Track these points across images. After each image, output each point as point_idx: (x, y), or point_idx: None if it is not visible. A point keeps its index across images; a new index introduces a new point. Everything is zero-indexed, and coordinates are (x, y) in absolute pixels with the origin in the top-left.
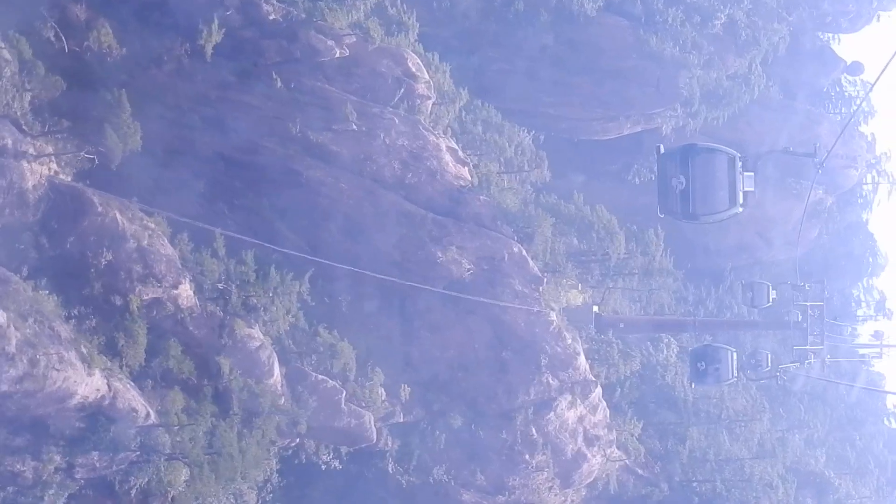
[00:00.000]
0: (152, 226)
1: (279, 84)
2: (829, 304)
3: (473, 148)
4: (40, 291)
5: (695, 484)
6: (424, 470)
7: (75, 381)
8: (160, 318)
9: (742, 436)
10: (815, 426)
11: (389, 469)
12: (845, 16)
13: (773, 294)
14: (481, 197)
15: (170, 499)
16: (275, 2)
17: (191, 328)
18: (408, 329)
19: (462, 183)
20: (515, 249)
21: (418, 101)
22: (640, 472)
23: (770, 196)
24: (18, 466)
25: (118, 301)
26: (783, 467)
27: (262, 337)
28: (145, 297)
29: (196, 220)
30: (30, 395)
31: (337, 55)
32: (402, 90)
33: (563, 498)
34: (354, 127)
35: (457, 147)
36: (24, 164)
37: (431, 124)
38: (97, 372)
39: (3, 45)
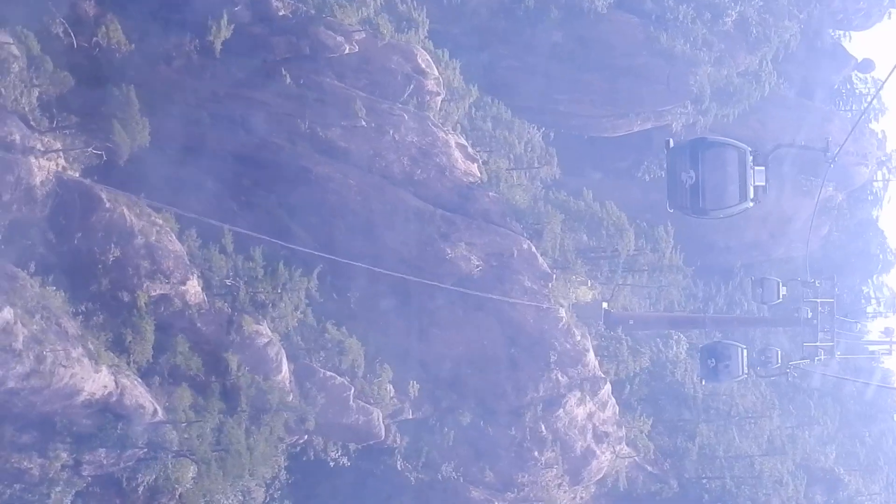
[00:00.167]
0: (160, 222)
1: (288, 80)
2: (839, 301)
3: (483, 145)
4: (47, 287)
5: (704, 481)
6: (433, 467)
7: (82, 378)
8: (168, 315)
9: (752, 432)
10: (825, 423)
11: (398, 466)
12: (856, 13)
13: (783, 290)
14: (490, 193)
15: (177, 496)
16: None
17: (198, 324)
18: (416, 326)
19: (471, 179)
20: (525, 246)
21: (428, 98)
22: (649, 468)
23: (780, 193)
24: (25, 463)
25: (126, 297)
26: (793, 464)
27: (270, 333)
28: (153, 294)
29: (204, 217)
30: (37, 392)
31: (346, 51)
32: (412, 86)
33: (572, 495)
34: (364, 123)
35: (466, 143)
36: (32, 159)
37: (441, 121)
38: (104, 368)
39: (11, 41)
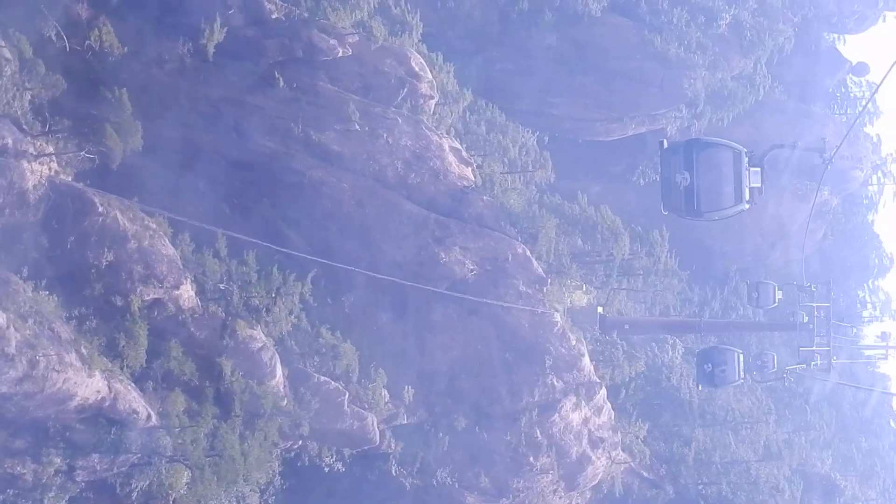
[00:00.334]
0: (153, 226)
1: (281, 84)
2: (835, 306)
3: (477, 148)
4: (40, 292)
5: (700, 486)
6: (428, 472)
7: (75, 383)
8: (161, 319)
9: (748, 438)
10: (822, 428)
11: (393, 471)
12: (851, 16)
13: (778, 294)
14: (485, 197)
15: (171, 501)
16: (278, 1)
17: (192, 329)
18: (411, 330)
19: (465, 183)
20: (519, 250)
21: (421, 101)
22: (645, 474)
23: (776, 198)
24: (18, 469)
25: (119, 302)
26: (789, 469)
27: (264, 338)
28: (146, 298)
29: (198, 221)
30: (29, 397)
31: (340, 54)
32: (406, 90)
33: (567, 500)
34: (357, 127)
35: (460, 147)
36: (25, 163)
37: (435, 124)
38: (97, 373)
39: (3, 44)
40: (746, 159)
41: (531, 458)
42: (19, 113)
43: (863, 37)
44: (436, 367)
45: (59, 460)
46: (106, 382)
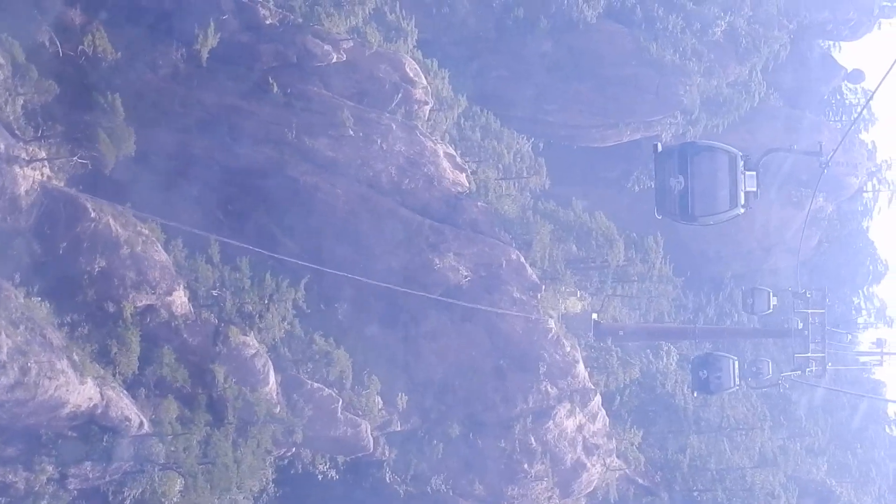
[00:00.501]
0: (146, 232)
1: (275, 89)
2: (829, 312)
3: (472, 154)
4: (32, 298)
5: (696, 493)
6: (422, 479)
7: (67, 390)
8: (154, 326)
9: (743, 444)
10: (816, 434)
11: (387, 478)
12: (846, 23)
13: (773, 301)
14: (479, 203)
15: None
16: (272, 6)
17: (185, 336)
18: (404, 336)
19: (460, 189)
20: (513, 256)
21: (416, 107)
22: (640, 481)
23: (771, 204)
24: (10, 477)
25: (111, 308)
26: (784, 476)
27: (257, 344)
28: (139, 304)
29: (191, 227)
30: (21, 404)
31: (334, 60)
32: (400, 95)
33: None
34: (351, 132)
35: (455, 153)
36: (17, 169)
37: (429, 130)
38: (90, 380)
39: None
40: (742, 163)
41: (526, 465)
42: (11, 118)
43: (858, 44)
44: (430, 374)
45: (51, 468)
46: (98, 389)
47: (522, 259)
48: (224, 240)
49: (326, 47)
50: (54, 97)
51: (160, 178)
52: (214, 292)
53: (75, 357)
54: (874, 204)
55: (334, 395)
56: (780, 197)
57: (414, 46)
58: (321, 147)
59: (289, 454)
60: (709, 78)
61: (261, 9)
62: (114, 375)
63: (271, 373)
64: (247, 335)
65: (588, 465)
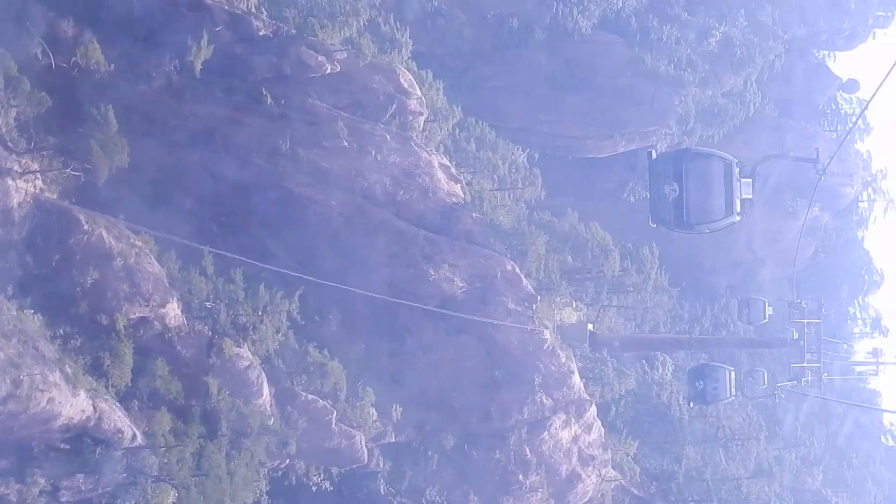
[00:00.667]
0: (139, 244)
1: (269, 101)
2: (825, 322)
3: (467, 165)
4: (25, 311)
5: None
6: (417, 491)
7: (60, 402)
8: (147, 338)
9: (738, 455)
10: (812, 444)
11: (381, 490)
12: (840, 33)
13: (769, 310)
14: (474, 214)
15: None
16: (265, 18)
17: (178, 348)
18: (399, 348)
19: (454, 200)
20: (508, 267)
21: (410, 118)
22: (635, 492)
23: (766, 214)
24: (2, 489)
25: (104, 320)
26: (780, 486)
27: (250, 356)
28: (132, 317)
29: (184, 239)
30: (13, 417)
31: (328, 71)
32: (394, 106)
33: None
34: (345, 143)
35: (449, 164)
36: (10, 181)
37: (424, 141)
38: (82, 392)
39: None
40: (737, 170)
41: (520, 477)
42: (4, 130)
43: (853, 54)
44: (425, 386)
45: (43, 480)
46: (91, 402)
47: (518, 270)
48: (217, 251)
49: (320, 58)
50: (47, 109)
51: (153, 190)
52: (208, 304)
53: (68, 369)
54: (870, 214)
55: (328, 406)
56: (775, 207)
57: (409, 58)
58: (315, 158)
59: (283, 466)
60: (704, 88)
61: (254, 20)
62: (106, 388)
63: (265, 384)
64: (240, 347)
65: (583, 476)
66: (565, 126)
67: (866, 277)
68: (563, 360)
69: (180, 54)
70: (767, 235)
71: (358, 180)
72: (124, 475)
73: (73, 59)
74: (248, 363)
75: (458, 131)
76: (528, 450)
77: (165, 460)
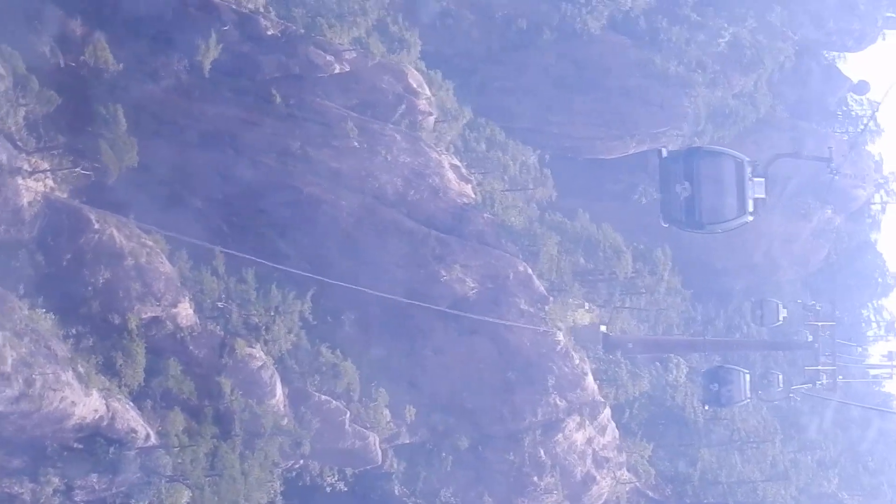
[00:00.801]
0: (150, 243)
1: (278, 100)
2: (839, 325)
3: (477, 166)
4: (37, 310)
5: None
6: (431, 492)
7: (73, 402)
8: (159, 338)
9: (754, 457)
10: (828, 447)
11: (395, 491)
12: (851, 34)
13: (783, 312)
14: (485, 215)
15: None
16: (273, 17)
17: (191, 347)
18: (411, 349)
19: (465, 200)
20: (520, 268)
21: (420, 118)
22: (650, 494)
23: (779, 216)
24: (16, 488)
25: (116, 320)
26: (796, 489)
27: (263, 356)
28: (144, 316)
29: (195, 238)
30: (26, 416)
31: (336, 71)
32: (403, 106)
33: None
34: (355, 143)
35: (460, 164)
36: (20, 180)
37: (434, 141)
38: (95, 392)
39: None
40: (750, 169)
41: (535, 478)
42: (13, 129)
43: (863, 55)
44: (438, 387)
45: (57, 480)
46: (104, 401)
47: (530, 271)
48: (229, 251)
49: (329, 58)
50: (56, 108)
51: (163, 190)
52: (220, 304)
53: (80, 369)
54: (882, 216)
55: (342, 407)
56: (788, 209)
57: (418, 58)
58: (325, 158)
59: (296, 466)
60: (714, 89)
61: (262, 20)
62: (119, 387)
63: (278, 385)
64: (253, 347)
65: (598, 477)
66: (575, 127)
67: (880, 280)
68: (577, 361)
69: (189, 54)
70: (780, 237)
71: (368, 180)
72: (138, 475)
73: (82, 58)
74: (260, 363)
75: (468, 132)
76: (542, 451)
77: (179, 460)
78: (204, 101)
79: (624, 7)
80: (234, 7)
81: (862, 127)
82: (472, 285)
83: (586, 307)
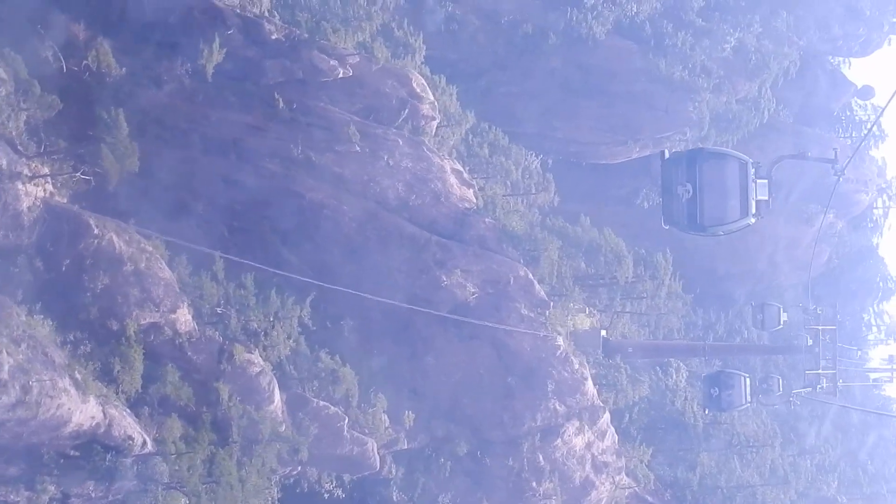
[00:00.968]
0: (150, 249)
1: (281, 105)
2: (839, 329)
3: (479, 171)
4: (34, 316)
5: None
6: (429, 498)
7: (69, 409)
8: (157, 344)
9: (753, 462)
10: (827, 451)
11: (394, 497)
12: (856, 39)
13: (784, 316)
14: (487, 219)
15: None
16: (278, 22)
17: (189, 354)
18: (411, 354)
19: (467, 205)
20: (521, 273)
21: (423, 123)
22: (650, 499)
23: (781, 220)
24: (12, 496)
25: (114, 326)
26: (795, 493)
27: (262, 362)
28: (142, 322)
29: (195, 243)
30: (23, 423)
31: (340, 75)
32: (407, 111)
33: None
34: (358, 148)
35: (462, 169)
36: (19, 185)
37: (436, 146)
38: (92, 399)
39: None
40: (753, 170)
41: (534, 484)
42: (14, 134)
43: (868, 60)
44: (437, 392)
45: (53, 488)
46: (101, 408)
47: (531, 276)
48: (228, 257)
49: (332, 62)
50: (57, 113)
51: (164, 195)
52: (219, 310)
53: (78, 375)
54: (884, 220)
55: (340, 413)
56: (791, 214)
57: (422, 62)
58: (327, 163)
59: (294, 473)
60: (718, 94)
61: (266, 24)
62: (117, 394)
63: (276, 391)
64: (252, 353)
65: (597, 483)
66: (579, 132)
67: (881, 284)
68: (577, 366)
69: (193, 58)
70: (782, 242)
71: (370, 185)
72: (135, 482)
73: (85, 62)
74: (259, 369)
75: (471, 136)
76: (541, 457)
77: (176, 467)
78: (207, 106)
79: (630, 12)
80: (238, 12)
81: (865, 132)
82: (473, 290)
83: (587, 312)
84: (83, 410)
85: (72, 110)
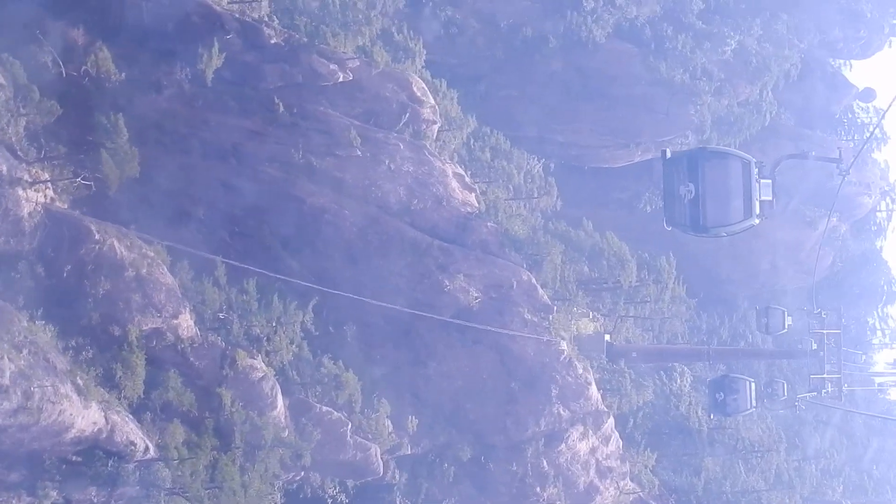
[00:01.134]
0: (151, 254)
1: (281, 109)
2: (844, 333)
3: (481, 174)
4: (36, 322)
5: None
6: (433, 503)
7: (71, 414)
8: (160, 349)
9: (758, 467)
10: (832, 456)
11: (397, 502)
12: (857, 42)
13: (788, 320)
14: (489, 223)
15: None
16: (277, 26)
17: (191, 359)
18: (414, 359)
19: (469, 209)
20: (524, 277)
21: (424, 127)
22: None
23: (784, 223)
24: (14, 502)
25: (116, 331)
26: (800, 498)
27: (264, 368)
28: (144, 328)
29: (196, 249)
30: (24, 429)
31: (340, 79)
32: (407, 115)
33: None
34: (359, 152)
35: (464, 173)
36: (20, 191)
37: (438, 150)
38: (94, 404)
39: None
40: (756, 170)
41: (538, 489)
42: (14, 139)
43: (869, 62)
44: (440, 397)
45: (55, 493)
46: (103, 414)
47: (533, 280)
48: (230, 262)
49: (332, 66)
50: (57, 118)
51: (164, 200)
52: (221, 315)
53: (79, 381)
54: (888, 224)
55: (343, 418)
56: (794, 217)
57: (422, 66)
58: (328, 168)
59: (297, 478)
60: (719, 97)
61: (265, 28)
62: (119, 399)
63: (279, 396)
64: (254, 358)
65: (601, 488)
66: (579, 135)
67: (885, 288)
68: (580, 371)
69: (191, 63)
70: (785, 245)
71: (371, 190)
72: (137, 488)
73: (84, 67)
74: (261, 374)
75: (472, 140)
76: (545, 462)
77: (179, 473)
78: (207, 111)
79: (629, 15)
80: (237, 16)
81: (868, 134)
82: (476, 295)
83: (590, 316)
84: (85, 416)
85: (71, 116)
